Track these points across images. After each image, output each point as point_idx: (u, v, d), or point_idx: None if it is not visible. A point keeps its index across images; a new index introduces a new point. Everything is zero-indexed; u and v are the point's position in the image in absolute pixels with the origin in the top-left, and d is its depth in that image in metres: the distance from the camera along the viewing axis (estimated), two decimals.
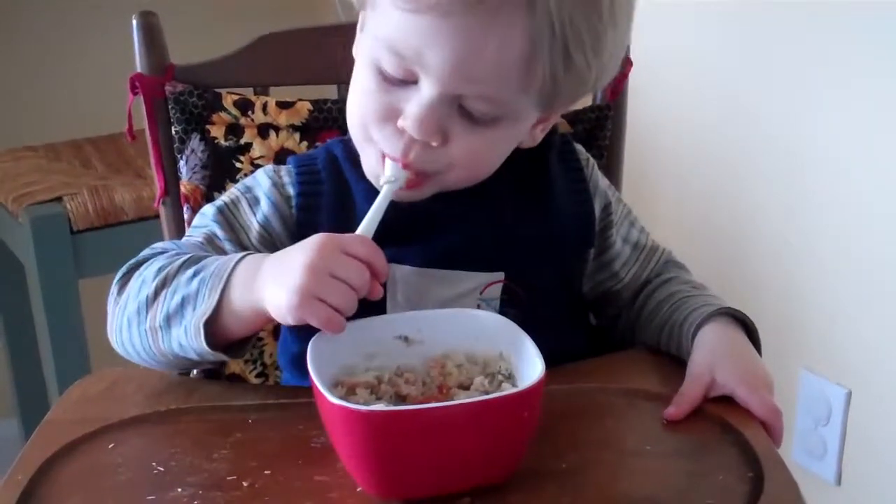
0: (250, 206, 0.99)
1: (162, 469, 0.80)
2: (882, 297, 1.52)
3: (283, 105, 1.17)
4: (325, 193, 0.98)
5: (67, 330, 1.76)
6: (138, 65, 1.16)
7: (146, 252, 0.95)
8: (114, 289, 0.92)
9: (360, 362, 0.83)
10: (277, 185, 0.99)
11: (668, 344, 0.98)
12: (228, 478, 0.79)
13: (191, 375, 1.14)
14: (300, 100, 1.18)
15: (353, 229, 0.88)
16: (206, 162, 1.16)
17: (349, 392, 0.81)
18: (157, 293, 0.88)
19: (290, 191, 0.99)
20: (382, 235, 0.94)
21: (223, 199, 1.01)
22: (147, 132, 1.18)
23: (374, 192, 0.94)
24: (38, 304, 1.78)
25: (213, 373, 1.18)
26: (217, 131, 1.16)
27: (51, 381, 1.84)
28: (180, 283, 0.87)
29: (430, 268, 0.96)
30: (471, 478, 0.76)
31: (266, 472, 0.80)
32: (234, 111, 1.16)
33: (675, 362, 0.96)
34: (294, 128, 1.16)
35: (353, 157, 0.98)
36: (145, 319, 0.88)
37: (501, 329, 0.85)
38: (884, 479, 1.58)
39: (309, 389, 0.77)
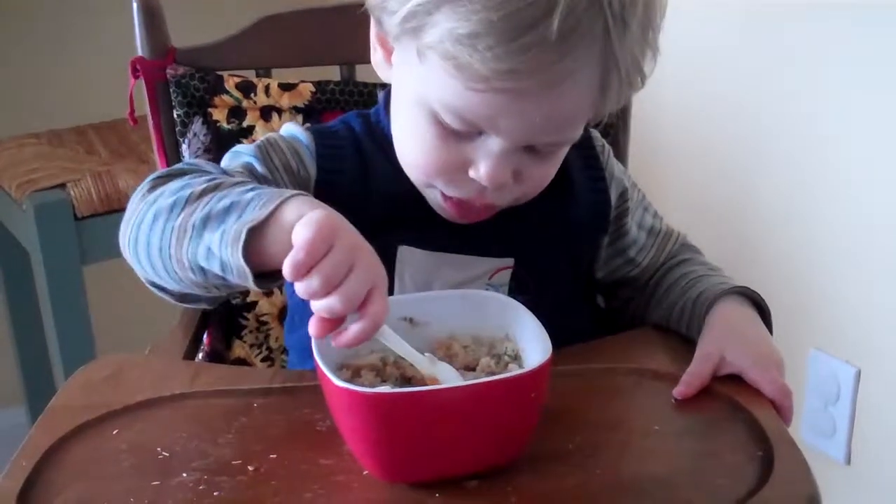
0: (291, 148, 0.95)
1: (167, 454, 0.80)
2: (891, 276, 1.51)
3: (286, 87, 1.17)
4: (347, 171, 0.95)
5: (72, 316, 1.76)
6: (139, 48, 1.16)
7: (184, 165, 0.89)
8: (143, 186, 0.86)
9: (364, 344, 0.83)
10: (310, 148, 0.96)
11: (679, 321, 0.97)
12: (234, 462, 0.78)
13: (196, 360, 1.14)
14: (303, 81, 1.18)
15: (371, 210, 0.88)
16: (209, 145, 1.16)
17: (354, 375, 0.80)
18: (203, 194, 0.80)
19: (312, 163, 0.95)
20: (394, 217, 0.93)
21: (259, 140, 0.96)
22: (149, 116, 1.17)
23: (396, 176, 0.92)
24: (42, 291, 1.78)
25: (217, 357, 1.18)
26: (219, 114, 1.16)
27: (57, 367, 1.84)
28: (234, 191, 0.80)
29: (440, 251, 0.95)
30: (478, 460, 0.75)
31: (272, 456, 0.79)
32: (237, 94, 1.16)
33: (683, 342, 0.95)
34: (297, 110, 1.16)
35: (373, 134, 0.96)
36: (177, 216, 0.80)
37: (507, 310, 0.84)
38: (893, 458, 1.57)
39: (313, 373, 0.76)
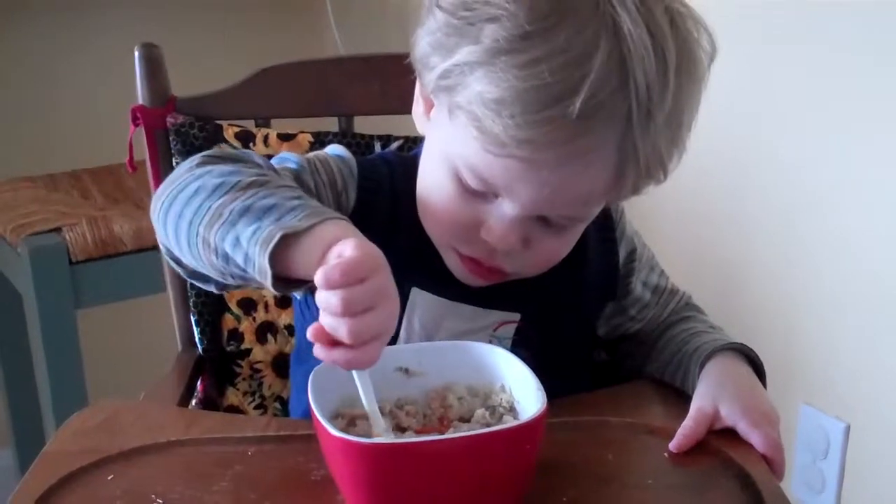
0: (339, 167, 0.96)
1: (161, 501, 0.80)
2: (881, 331, 1.52)
3: (284, 137, 1.18)
4: (380, 205, 0.96)
5: (65, 360, 1.76)
6: (140, 96, 1.17)
7: (237, 152, 0.90)
8: (194, 159, 0.87)
9: (360, 395, 0.83)
10: (354, 174, 0.97)
11: (673, 374, 0.98)
12: None
13: (189, 407, 1.14)
14: (301, 132, 1.19)
15: (394, 247, 0.88)
16: None
17: (349, 424, 0.81)
18: (250, 186, 0.81)
19: (354, 188, 0.96)
20: (412, 259, 0.94)
21: (308, 154, 0.97)
22: (148, 163, 1.18)
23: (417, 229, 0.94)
24: (35, 335, 1.77)
25: (211, 404, 1.18)
26: None
27: (47, 411, 1.83)
28: (279, 193, 0.80)
29: (449, 299, 0.96)
30: None
31: None
32: (236, 143, 1.17)
33: (677, 395, 0.96)
34: None
35: (409, 177, 0.97)
36: (218, 198, 0.81)
37: (502, 361, 0.85)
38: None
39: (308, 422, 0.77)
